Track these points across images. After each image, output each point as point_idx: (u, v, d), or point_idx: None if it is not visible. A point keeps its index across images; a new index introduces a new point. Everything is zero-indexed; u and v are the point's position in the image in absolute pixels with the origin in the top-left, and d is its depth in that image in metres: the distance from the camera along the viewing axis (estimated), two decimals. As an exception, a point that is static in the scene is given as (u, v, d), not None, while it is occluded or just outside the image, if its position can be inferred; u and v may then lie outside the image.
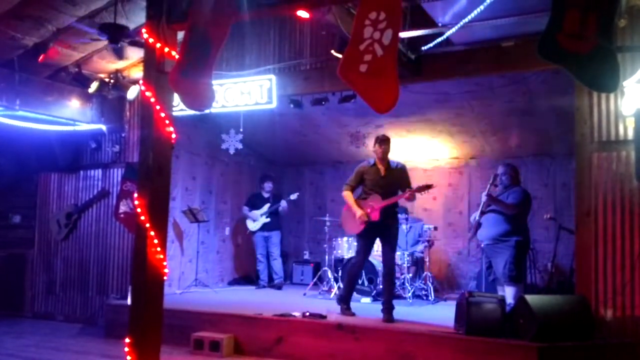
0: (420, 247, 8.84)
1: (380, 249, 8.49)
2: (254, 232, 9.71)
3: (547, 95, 7.43)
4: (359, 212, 6.52)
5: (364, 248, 6.69)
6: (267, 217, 9.56)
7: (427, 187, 6.52)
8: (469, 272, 9.55)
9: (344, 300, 6.83)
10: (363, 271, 8.04)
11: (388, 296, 6.50)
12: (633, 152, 5.36)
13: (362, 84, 3.56)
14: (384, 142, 6.58)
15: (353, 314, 6.68)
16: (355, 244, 7.43)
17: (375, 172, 6.63)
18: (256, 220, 9.62)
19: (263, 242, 9.67)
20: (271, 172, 10.44)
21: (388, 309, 6.42)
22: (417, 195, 6.57)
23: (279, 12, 5.62)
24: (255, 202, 9.76)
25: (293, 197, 9.52)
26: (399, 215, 8.55)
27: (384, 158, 6.61)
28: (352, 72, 3.54)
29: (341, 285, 8.20)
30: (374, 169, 6.65)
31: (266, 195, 9.75)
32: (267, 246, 9.67)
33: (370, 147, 9.87)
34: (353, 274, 6.85)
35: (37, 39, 6.82)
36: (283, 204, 9.57)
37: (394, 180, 6.60)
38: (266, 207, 9.60)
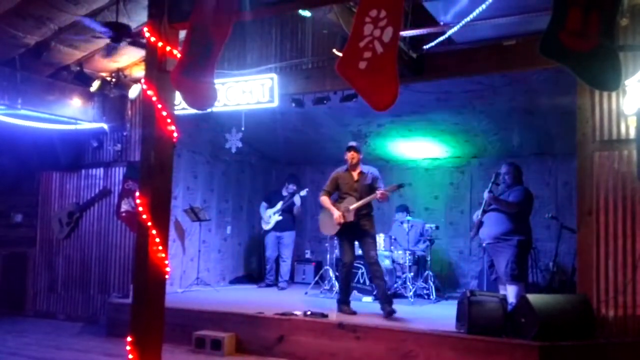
0: (421, 246, 8.84)
1: (381, 246, 8.60)
2: (267, 232, 9.63)
3: (548, 94, 7.42)
4: (336, 213, 6.82)
5: (347, 247, 6.92)
6: (279, 215, 9.50)
7: (398, 186, 6.97)
8: (471, 271, 9.56)
9: (342, 301, 6.91)
10: (364, 270, 8.10)
11: (382, 293, 6.72)
12: (635, 151, 5.35)
13: (360, 81, 3.55)
14: (351, 148, 6.95)
15: (354, 313, 6.69)
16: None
17: (348, 177, 6.97)
18: (269, 218, 9.56)
19: (275, 242, 9.58)
20: (283, 172, 10.40)
21: (386, 302, 6.62)
22: (395, 192, 7.07)
23: (281, 11, 5.62)
24: (272, 199, 9.71)
25: (303, 193, 9.50)
26: (402, 214, 8.84)
27: (354, 164, 6.95)
28: (351, 69, 3.53)
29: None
30: (348, 174, 7.00)
31: (285, 193, 9.69)
32: (279, 247, 9.58)
33: (372, 146, 9.96)
34: (344, 275, 7.00)
35: (39, 38, 6.83)
36: (297, 199, 9.48)
37: (366, 184, 6.89)
38: (279, 204, 9.53)
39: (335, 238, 7.27)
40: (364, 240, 6.87)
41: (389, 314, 6.47)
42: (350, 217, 6.76)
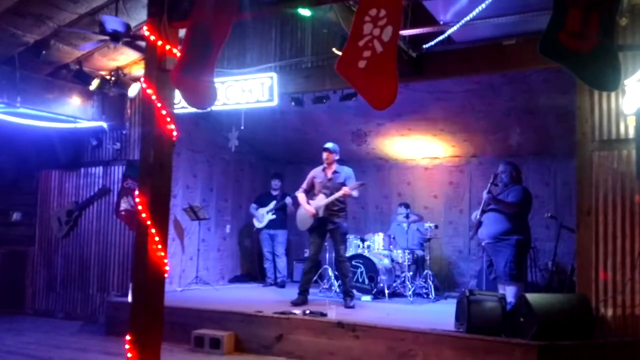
0: (420, 244, 8.85)
1: (379, 245, 8.63)
2: (260, 230, 9.72)
3: (548, 94, 7.42)
4: (308, 209, 7.33)
5: (315, 241, 7.37)
6: (273, 214, 9.56)
7: (360, 185, 7.32)
8: (470, 271, 9.56)
9: (300, 291, 7.32)
10: (363, 269, 8.11)
11: (345, 288, 7.30)
12: (634, 151, 5.34)
13: (360, 80, 3.55)
14: (325, 150, 7.40)
15: (299, 303, 7.07)
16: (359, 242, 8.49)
17: (323, 176, 7.45)
18: (262, 217, 9.63)
19: (269, 240, 9.69)
20: (280, 171, 10.48)
21: (348, 297, 7.21)
22: (357, 191, 7.33)
23: (281, 10, 5.61)
24: (263, 200, 9.81)
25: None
26: (402, 208, 9.08)
27: (330, 163, 7.40)
28: (351, 68, 3.53)
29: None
30: (322, 173, 7.47)
31: (274, 193, 9.80)
32: (273, 245, 9.67)
33: (371, 145, 9.96)
34: (308, 267, 7.41)
35: (38, 36, 6.82)
36: (288, 200, 9.56)
37: (338, 182, 7.31)
38: (272, 204, 9.61)
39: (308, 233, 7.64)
40: (334, 238, 7.35)
41: (348, 307, 7.04)
42: (321, 213, 7.22)
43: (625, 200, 5.58)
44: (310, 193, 7.53)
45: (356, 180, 7.40)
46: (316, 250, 7.37)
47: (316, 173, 7.54)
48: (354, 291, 8.02)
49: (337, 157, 7.43)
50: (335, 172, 7.39)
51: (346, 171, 7.43)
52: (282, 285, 9.45)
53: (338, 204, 7.28)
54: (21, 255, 9.28)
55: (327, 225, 7.28)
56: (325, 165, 7.44)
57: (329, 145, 7.44)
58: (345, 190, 7.10)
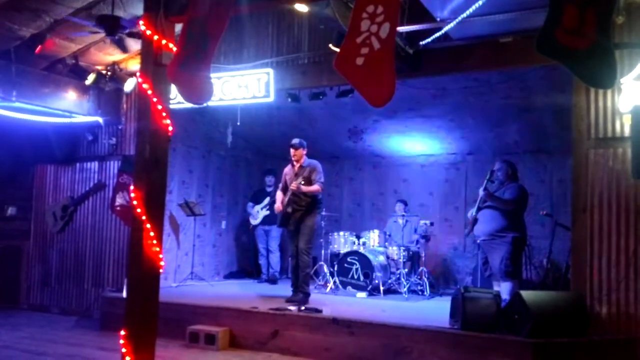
0: (416, 242, 8.86)
1: (376, 242, 8.64)
2: (256, 227, 9.76)
3: (544, 91, 7.43)
4: (277, 205, 7.46)
5: (289, 238, 7.51)
6: (267, 210, 9.58)
7: (299, 184, 7.16)
8: (465, 268, 9.58)
9: (292, 285, 7.34)
10: (358, 266, 8.12)
11: (300, 282, 7.17)
12: (630, 149, 5.33)
13: (358, 77, 3.55)
14: (292, 146, 7.33)
15: (291, 301, 6.97)
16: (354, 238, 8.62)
17: (291, 173, 7.43)
18: (257, 214, 9.67)
19: (264, 236, 9.73)
20: (276, 167, 10.50)
21: (299, 291, 7.12)
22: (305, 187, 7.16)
23: (278, 5, 5.60)
24: (258, 197, 9.85)
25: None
26: (400, 204, 9.16)
27: (297, 160, 7.35)
28: (348, 65, 3.53)
29: (337, 280, 8.27)
30: (291, 170, 7.46)
31: (269, 189, 9.81)
32: (267, 240, 9.71)
33: (368, 142, 9.96)
34: (292, 264, 7.46)
35: (34, 30, 6.79)
36: None
37: (303, 177, 7.23)
38: (266, 200, 9.63)
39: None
40: (298, 230, 7.27)
41: (291, 300, 6.96)
42: (286, 209, 7.25)
43: (620, 198, 5.59)
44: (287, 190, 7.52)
45: (324, 173, 7.35)
46: (291, 246, 7.40)
47: (287, 170, 7.51)
48: (349, 287, 8.06)
49: (304, 152, 7.30)
50: (301, 166, 7.30)
51: (311, 164, 7.32)
52: (273, 281, 9.47)
53: (305, 198, 7.20)
54: (16, 250, 9.27)
55: (290, 220, 7.26)
56: (293, 161, 7.38)
57: (294, 141, 7.34)
58: (292, 186, 7.09)
